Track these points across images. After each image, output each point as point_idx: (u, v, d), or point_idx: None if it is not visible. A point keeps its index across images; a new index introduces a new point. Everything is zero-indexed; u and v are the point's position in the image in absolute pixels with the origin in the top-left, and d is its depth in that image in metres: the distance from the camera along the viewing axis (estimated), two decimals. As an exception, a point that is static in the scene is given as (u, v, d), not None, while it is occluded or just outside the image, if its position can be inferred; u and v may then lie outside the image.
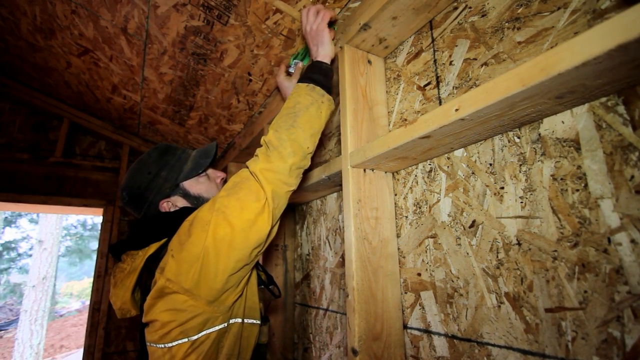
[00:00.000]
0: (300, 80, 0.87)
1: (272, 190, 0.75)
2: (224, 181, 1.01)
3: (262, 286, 0.91)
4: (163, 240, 0.82)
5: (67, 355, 7.90)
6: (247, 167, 0.80)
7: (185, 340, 0.69)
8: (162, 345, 0.70)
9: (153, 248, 0.82)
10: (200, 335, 0.70)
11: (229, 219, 0.71)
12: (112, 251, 0.87)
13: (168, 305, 0.70)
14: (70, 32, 1.42)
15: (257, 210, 0.73)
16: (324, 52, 0.91)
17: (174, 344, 0.69)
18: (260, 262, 1.45)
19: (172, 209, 0.89)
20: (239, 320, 0.78)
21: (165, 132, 2.16)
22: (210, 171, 1.00)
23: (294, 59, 1.20)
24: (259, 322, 0.84)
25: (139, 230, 0.86)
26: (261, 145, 0.82)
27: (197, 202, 0.91)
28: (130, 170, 0.93)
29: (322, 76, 0.87)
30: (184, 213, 0.83)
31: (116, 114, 2.11)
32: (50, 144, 2.28)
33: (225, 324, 0.74)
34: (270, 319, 1.44)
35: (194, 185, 0.93)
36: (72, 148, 2.37)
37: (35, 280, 6.61)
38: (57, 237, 7.11)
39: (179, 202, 0.91)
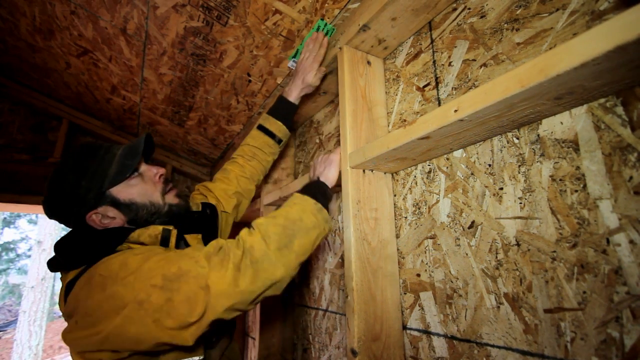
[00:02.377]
0: (304, 192, 0.81)
1: (213, 319, 0.63)
2: (164, 178, 0.87)
3: None
4: (81, 268, 0.72)
5: (65, 356, 7.88)
6: (204, 263, 0.64)
7: None
8: None
9: (71, 275, 0.73)
10: None
11: (146, 320, 0.60)
12: (48, 265, 0.78)
13: None
14: (69, 32, 1.42)
15: (182, 324, 0.61)
16: (330, 175, 0.88)
17: None
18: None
19: (103, 221, 0.78)
20: None
21: (165, 133, 2.16)
22: (144, 169, 0.84)
23: (292, 57, 1.20)
24: (199, 357, 0.74)
25: (62, 250, 0.76)
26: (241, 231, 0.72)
27: (129, 210, 0.79)
28: (48, 180, 0.79)
29: (327, 200, 0.83)
30: (108, 242, 0.75)
31: (115, 115, 2.11)
32: (50, 144, 2.28)
33: None
34: (265, 322, 1.43)
35: (124, 191, 0.79)
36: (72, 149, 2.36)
37: (34, 281, 6.59)
38: (56, 238, 7.10)
39: (110, 211, 0.78)
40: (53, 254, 0.77)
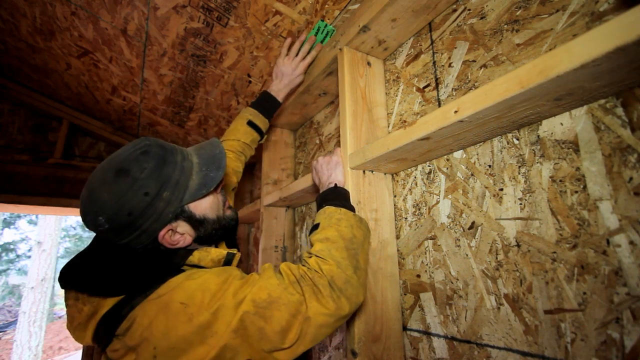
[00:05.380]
0: (333, 202, 0.80)
1: (313, 339, 0.63)
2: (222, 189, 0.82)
3: None
4: (122, 296, 0.63)
5: (65, 357, 7.87)
6: (292, 290, 0.64)
7: None
8: None
9: (110, 302, 0.63)
10: None
11: (242, 346, 0.59)
12: (62, 279, 0.66)
13: None
14: (70, 33, 1.42)
15: (274, 349, 0.61)
16: (340, 178, 0.88)
17: None
18: (260, 265, 1.45)
19: (173, 238, 0.69)
20: None
21: (165, 134, 2.16)
22: None
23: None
24: None
25: (103, 273, 0.65)
26: (309, 256, 0.71)
27: (201, 226, 0.72)
28: (109, 185, 0.63)
29: (350, 203, 0.84)
30: (169, 267, 0.67)
31: (116, 116, 2.11)
32: (50, 145, 2.28)
33: None
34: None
35: (199, 205, 0.71)
36: (72, 149, 2.37)
37: (34, 282, 6.59)
38: (56, 239, 7.09)
39: (181, 227, 0.70)
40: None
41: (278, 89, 1.14)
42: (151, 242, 0.68)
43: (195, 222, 0.71)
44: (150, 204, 0.64)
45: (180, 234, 0.70)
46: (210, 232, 0.75)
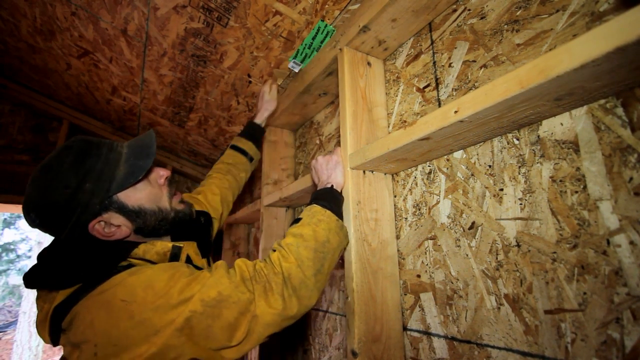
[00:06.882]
0: (322, 202, 0.81)
1: (259, 337, 0.64)
2: (169, 181, 0.82)
3: None
4: (75, 287, 0.63)
5: (65, 357, 7.88)
6: (243, 289, 0.64)
7: None
8: None
9: (61, 296, 0.63)
10: None
11: (186, 345, 0.58)
12: (24, 280, 0.67)
13: None
14: (70, 33, 1.42)
15: (222, 347, 0.61)
16: (339, 179, 0.88)
17: None
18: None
19: (107, 230, 0.69)
20: None
21: (165, 134, 2.16)
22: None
23: (293, 58, 1.20)
24: None
25: (51, 266, 0.67)
26: (274, 250, 0.73)
27: (137, 217, 0.71)
28: (35, 181, 0.66)
29: (341, 208, 0.84)
30: (110, 258, 0.67)
31: (116, 116, 2.11)
32: (50, 145, 2.28)
33: None
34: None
35: (131, 195, 0.71)
36: (72, 149, 2.37)
37: (34, 282, 6.59)
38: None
39: (114, 219, 0.69)
40: (32, 266, 0.68)
41: (255, 116, 1.29)
42: (87, 235, 0.69)
43: (129, 212, 0.70)
44: (71, 196, 0.65)
45: (115, 225, 0.70)
46: (154, 225, 0.74)
